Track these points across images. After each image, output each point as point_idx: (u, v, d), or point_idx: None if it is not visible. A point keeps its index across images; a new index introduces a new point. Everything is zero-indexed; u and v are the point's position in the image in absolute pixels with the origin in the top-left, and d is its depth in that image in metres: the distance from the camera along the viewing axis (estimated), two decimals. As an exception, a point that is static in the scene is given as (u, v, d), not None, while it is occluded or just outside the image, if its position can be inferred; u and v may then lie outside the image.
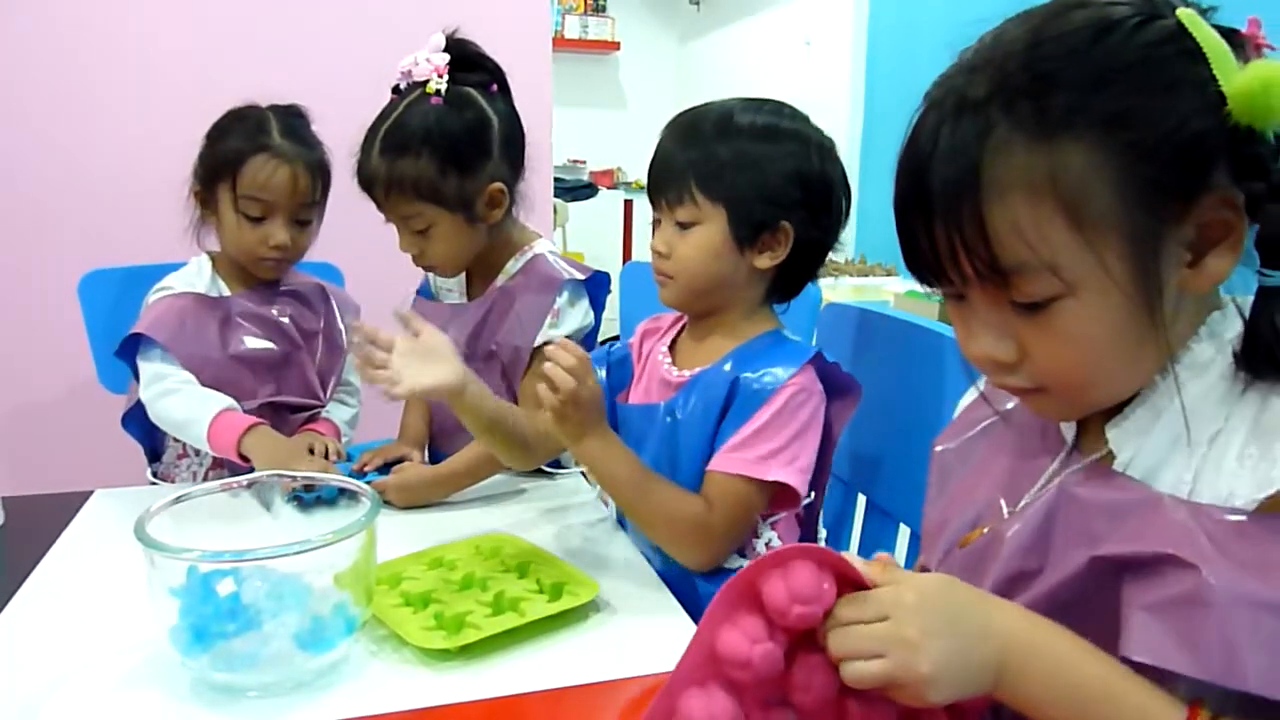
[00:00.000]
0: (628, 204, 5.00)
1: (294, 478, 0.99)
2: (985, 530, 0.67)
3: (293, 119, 1.36)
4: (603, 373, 1.14)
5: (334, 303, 1.47)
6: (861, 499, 1.21)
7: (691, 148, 1.02)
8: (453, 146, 1.22)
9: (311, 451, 1.25)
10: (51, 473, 1.39)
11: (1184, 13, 0.55)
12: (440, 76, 1.23)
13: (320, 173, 1.36)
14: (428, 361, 1.00)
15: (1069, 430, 0.66)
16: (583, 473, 1.37)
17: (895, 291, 2.97)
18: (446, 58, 1.24)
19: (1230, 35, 0.56)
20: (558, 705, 0.79)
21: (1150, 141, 0.54)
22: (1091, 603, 0.57)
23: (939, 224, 0.58)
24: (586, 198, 4.81)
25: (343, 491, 0.94)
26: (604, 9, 5.50)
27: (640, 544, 1.10)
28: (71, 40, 1.85)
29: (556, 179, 2.78)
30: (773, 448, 0.99)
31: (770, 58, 4.73)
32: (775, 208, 1.01)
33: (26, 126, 1.85)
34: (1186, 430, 0.56)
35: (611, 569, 1.03)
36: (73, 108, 1.87)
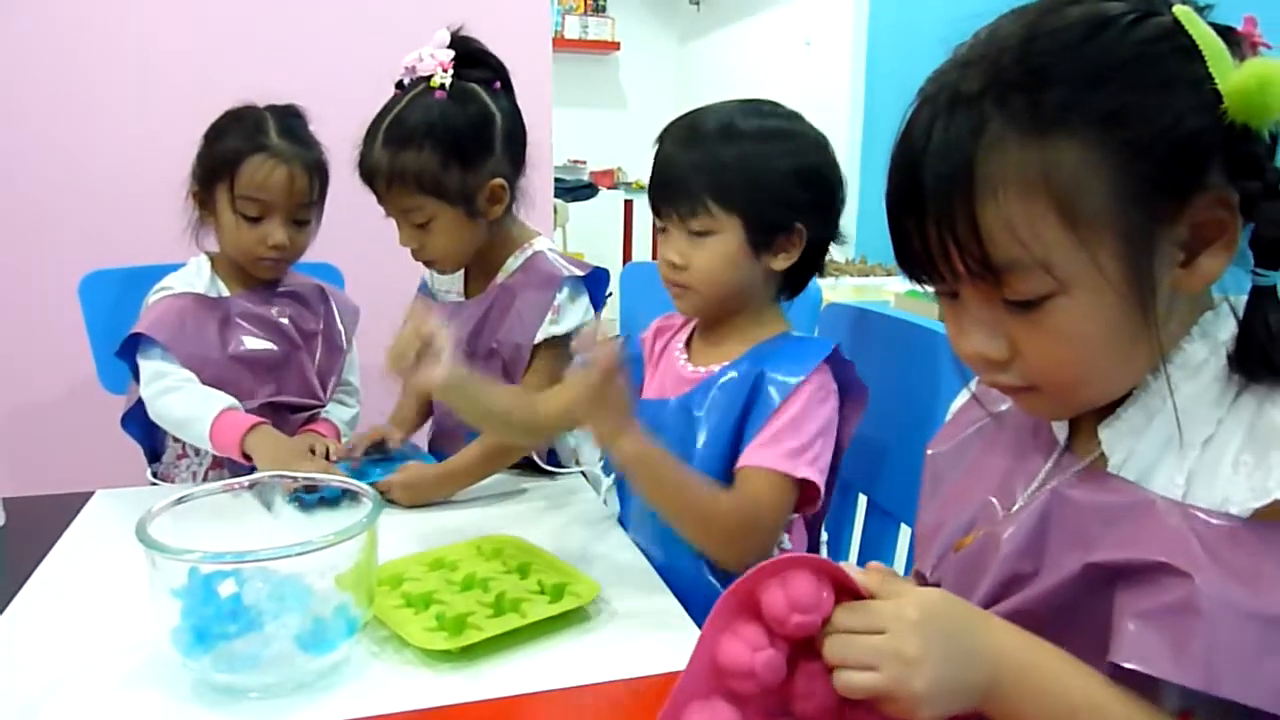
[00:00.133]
0: (628, 204, 5.01)
1: (295, 478, 0.99)
2: (980, 534, 0.67)
3: (290, 119, 1.36)
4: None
5: (333, 303, 1.47)
6: (862, 499, 1.21)
7: (699, 157, 1.01)
8: (456, 140, 1.22)
9: (313, 452, 1.25)
10: (52, 473, 1.38)
11: (1180, 10, 0.55)
12: (445, 71, 1.23)
13: (318, 172, 1.36)
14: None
15: (1061, 430, 0.66)
16: (583, 472, 1.37)
17: (896, 291, 2.97)
18: (451, 54, 1.24)
19: (1226, 33, 0.56)
20: (559, 706, 0.79)
21: (1145, 139, 0.54)
22: (1085, 607, 0.57)
23: (931, 221, 0.57)
24: (587, 198, 4.81)
25: (344, 492, 0.94)
26: (604, 9, 5.50)
27: (641, 543, 1.10)
28: (71, 40, 1.85)
29: (557, 179, 2.78)
30: (798, 445, 0.99)
31: (770, 58, 4.74)
32: (788, 210, 1.01)
33: (26, 126, 1.85)
34: (1179, 433, 0.56)
35: (612, 569, 1.03)
36: (73, 108, 1.87)
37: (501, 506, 1.25)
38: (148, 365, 1.29)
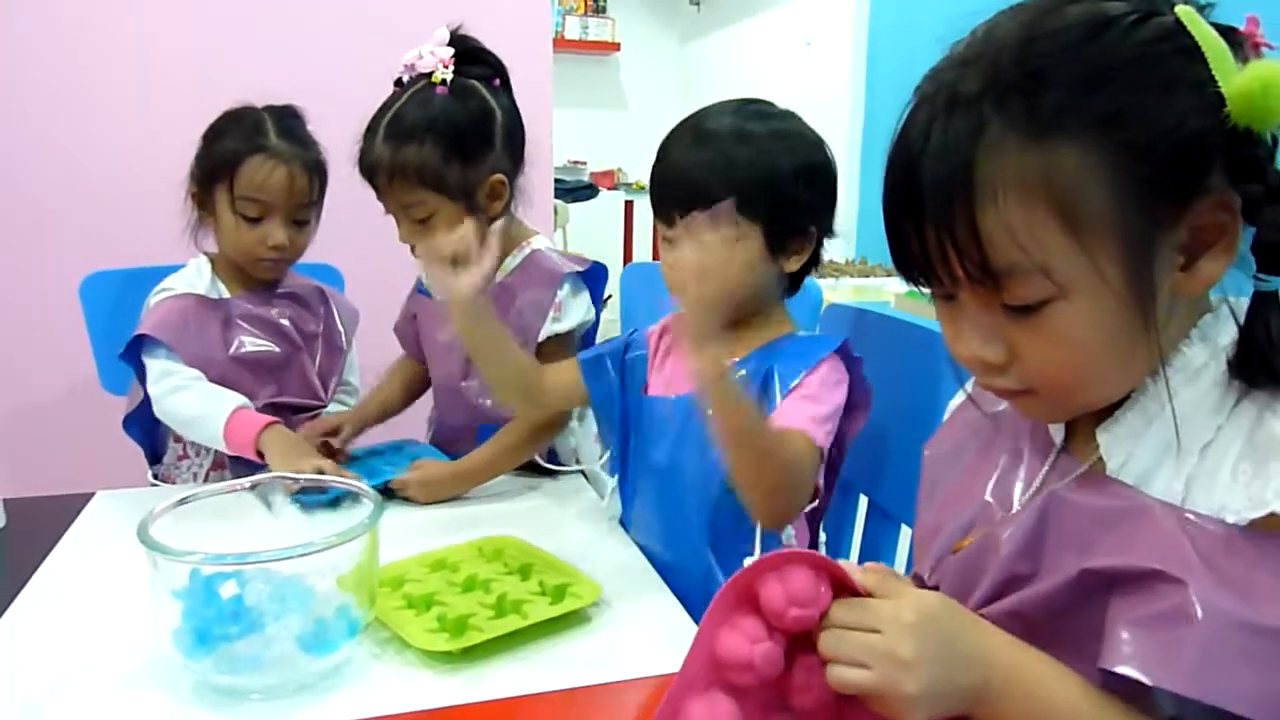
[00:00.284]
0: (628, 205, 5.01)
1: (295, 479, 0.99)
2: (978, 535, 0.66)
3: (288, 119, 1.36)
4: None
5: (333, 304, 1.47)
6: (863, 500, 1.21)
7: (715, 163, 1.00)
8: (457, 135, 1.22)
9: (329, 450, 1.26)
10: (52, 474, 1.38)
11: (1182, 10, 0.54)
12: (446, 67, 1.23)
13: (317, 172, 1.36)
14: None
15: (1058, 432, 0.66)
16: (583, 471, 1.37)
17: (896, 292, 2.97)
18: (451, 51, 1.25)
19: (1228, 33, 0.55)
20: (560, 707, 0.79)
21: (1146, 142, 0.53)
22: (1081, 611, 0.57)
23: (929, 225, 0.57)
24: (587, 199, 4.81)
25: (345, 493, 0.94)
26: (604, 10, 5.51)
27: (645, 543, 1.10)
28: (71, 40, 1.85)
29: (557, 180, 2.78)
30: (819, 413, 0.97)
31: (771, 58, 4.74)
32: (803, 213, 1.02)
33: (26, 126, 1.85)
34: (1177, 439, 0.56)
35: (613, 570, 1.02)
36: (73, 108, 1.87)
37: (502, 506, 1.25)
38: (154, 364, 1.29)
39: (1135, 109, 0.53)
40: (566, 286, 1.31)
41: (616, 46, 5.50)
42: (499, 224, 1.27)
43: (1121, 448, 0.59)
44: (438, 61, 1.24)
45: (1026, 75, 0.54)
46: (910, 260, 0.60)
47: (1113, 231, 0.54)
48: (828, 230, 1.05)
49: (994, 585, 0.63)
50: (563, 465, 1.37)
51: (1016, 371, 0.60)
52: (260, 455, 1.22)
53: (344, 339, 1.48)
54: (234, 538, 0.82)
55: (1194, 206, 0.54)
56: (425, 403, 1.50)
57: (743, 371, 1.03)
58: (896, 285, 3.12)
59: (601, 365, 1.17)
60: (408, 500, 1.24)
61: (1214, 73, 0.52)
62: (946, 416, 0.80)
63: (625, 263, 4.59)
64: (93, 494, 1.26)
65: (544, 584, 0.95)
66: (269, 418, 1.25)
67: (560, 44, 4.52)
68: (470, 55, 1.27)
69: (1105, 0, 0.55)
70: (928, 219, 0.57)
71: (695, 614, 0.93)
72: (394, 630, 0.87)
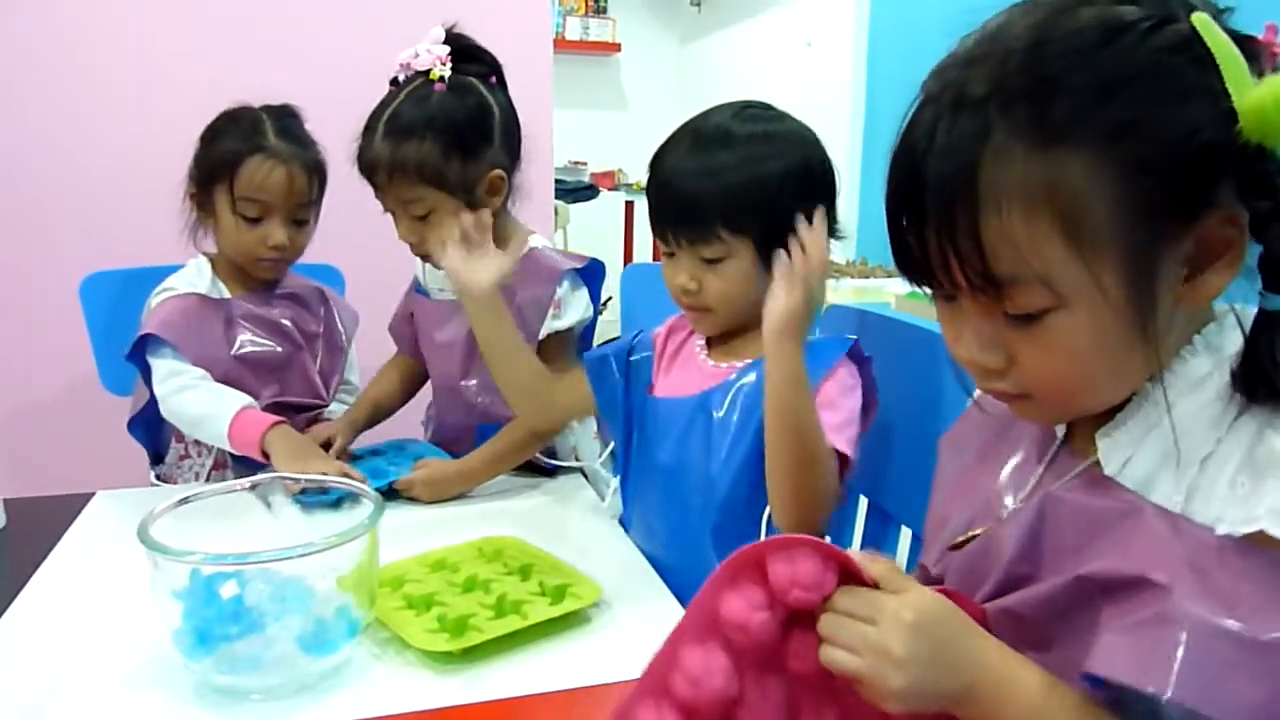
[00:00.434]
0: (629, 205, 5.00)
1: (296, 479, 0.99)
2: (979, 532, 0.67)
3: (287, 119, 1.36)
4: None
5: (333, 305, 1.48)
6: (863, 501, 1.21)
7: (704, 183, 0.99)
8: (456, 131, 1.23)
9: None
10: (53, 474, 1.38)
11: (1198, 18, 0.52)
12: (443, 65, 1.24)
13: (316, 172, 1.36)
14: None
15: (1059, 428, 0.66)
16: (581, 470, 1.37)
17: (896, 293, 2.96)
18: (447, 49, 1.25)
19: (1246, 43, 0.53)
20: (561, 708, 0.79)
21: (1154, 155, 0.52)
22: (1074, 615, 0.57)
23: (931, 230, 0.56)
24: (587, 199, 4.80)
25: (345, 493, 0.94)
26: (605, 10, 5.50)
27: (647, 545, 1.10)
28: (71, 40, 1.85)
29: (557, 180, 2.78)
30: (837, 420, 0.97)
31: (771, 59, 4.74)
32: (796, 223, 1.01)
33: (26, 126, 1.85)
34: (1177, 450, 0.55)
35: (614, 570, 1.02)
36: (73, 108, 1.87)
37: (503, 507, 1.25)
38: (160, 364, 1.30)
39: (1145, 120, 0.52)
40: (565, 283, 1.31)
41: (617, 47, 5.50)
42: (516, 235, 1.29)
43: (1120, 453, 0.58)
44: (434, 59, 1.24)
45: (1035, 81, 0.53)
46: (912, 263, 0.59)
47: (1115, 244, 0.53)
48: (828, 233, 1.04)
49: (996, 587, 0.63)
50: (562, 462, 1.37)
51: (1014, 376, 0.60)
52: (265, 455, 1.22)
53: (344, 338, 1.48)
54: (234, 538, 0.82)
55: (1201, 220, 0.53)
56: (421, 403, 1.50)
57: (753, 376, 1.03)
58: (897, 286, 3.12)
59: (606, 366, 1.17)
60: (410, 500, 1.24)
61: (1228, 85, 0.51)
62: (967, 408, 0.80)
63: (625, 263, 4.59)
64: (93, 494, 1.26)
65: (544, 584, 0.95)
66: (274, 417, 1.25)
67: (561, 44, 4.52)
68: (466, 53, 1.27)
69: (1120, 4, 0.54)
70: (929, 223, 0.56)
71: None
72: (394, 630, 0.87)
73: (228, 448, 1.26)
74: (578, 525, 1.19)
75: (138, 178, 1.82)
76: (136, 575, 0.79)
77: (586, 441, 1.41)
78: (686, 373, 1.11)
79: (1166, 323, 0.56)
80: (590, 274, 1.35)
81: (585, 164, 5.07)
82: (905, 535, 1.13)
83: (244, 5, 1.94)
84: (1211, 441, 0.54)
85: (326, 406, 1.43)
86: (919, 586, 0.59)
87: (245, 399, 1.27)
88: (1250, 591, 0.50)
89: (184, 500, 0.88)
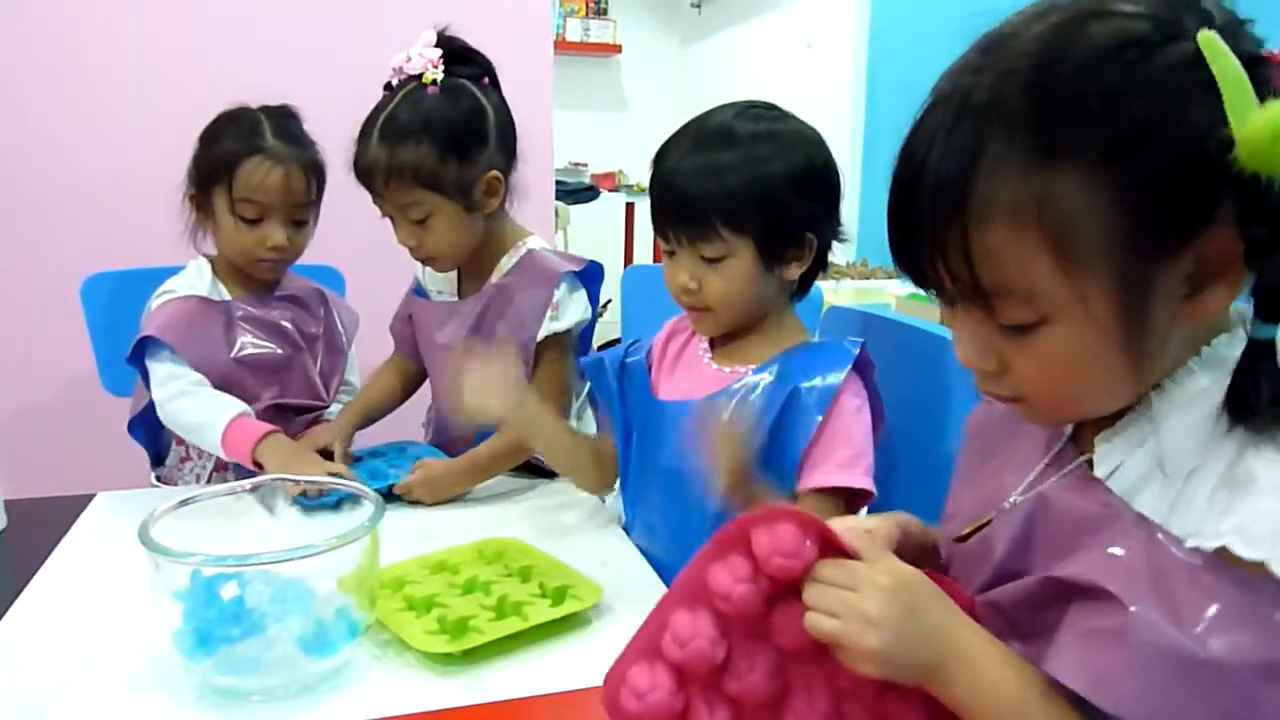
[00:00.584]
0: (629, 207, 5.00)
1: (296, 481, 0.98)
2: (982, 526, 0.68)
3: (285, 120, 1.36)
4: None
5: (333, 306, 1.48)
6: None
7: (705, 181, 0.99)
8: (452, 134, 1.23)
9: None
10: (53, 475, 1.38)
11: (1204, 37, 0.51)
12: (435, 68, 1.24)
13: (315, 173, 1.36)
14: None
15: (1066, 428, 0.66)
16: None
17: (897, 294, 2.96)
18: (439, 51, 1.25)
19: (1256, 60, 0.52)
20: (561, 709, 0.79)
21: (1151, 174, 0.51)
22: (1051, 611, 0.58)
23: (926, 235, 0.57)
24: (588, 200, 4.80)
25: (345, 495, 0.94)
26: (605, 12, 5.50)
27: (648, 548, 1.10)
28: (71, 40, 1.85)
29: (558, 182, 2.77)
30: (852, 453, 0.98)
31: (772, 60, 4.74)
32: (798, 223, 1.01)
33: (26, 126, 1.85)
34: (1164, 463, 0.56)
35: (614, 572, 1.02)
36: (73, 108, 1.87)
37: (503, 508, 1.25)
38: (159, 368, 1.29)
39: (1143, 140, 0.51)
40: (564, 285, 1.31)
41: (618, 48, 5.49)
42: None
43: (1113, 458, 0.59)
44: (426, 62, 1.24)
45: (1036, 96, 0.53)
46: (908, 265, 0.60)
47: (1106, 262, 0.53)
48: (829, 234, 1.04)
49: (989, 580, 0.64)
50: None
51: (1008, 381, 0.61)
52: (258, 465, 1.21)
53: (344, 339, 1.48)
54: (235, 539, 0.82)
55: (1200, 238, 0.53)
56: (421, 404, 1.50)
57: (763, 377, 1.03)
58: (898, 288, 3.12)
59: (602, 370, 1.17)
60: (411, 502, 1.24)
61: (1228, 110, 0.50)
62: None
63: (626, 265, 4.59)
64: (93, 495, 1.26)
65: (544, 586, 0.94)
66: (267, 426, 1.24)
67: (561, 46, 4.52)
68: (458, 55, 1.27)
69: (1128, 19, 0.53)
70: (924, 227, 0.57)
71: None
72: (395, 632, 0.87)
73: (223, 456, 1.26)
74: (578, 527, 1.19)
75: (138, 178, 1.82)
76: (137, 576, 0.79)
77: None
78: (690, 376, 1.11)
79: (1162, 340, 0.56)
80: (588, 276, 1.35)
81: (586, 165, 5.07)
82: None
83: (244, 5, 1.94)
84: (1199, 456, 0.55)
85: (327, 408, 1.43)
86: (895, 559, 0.61)
87: (240, 406, 1.27)
88: (1210, 608, 0.50)
89: (185, 502, 0.88)
